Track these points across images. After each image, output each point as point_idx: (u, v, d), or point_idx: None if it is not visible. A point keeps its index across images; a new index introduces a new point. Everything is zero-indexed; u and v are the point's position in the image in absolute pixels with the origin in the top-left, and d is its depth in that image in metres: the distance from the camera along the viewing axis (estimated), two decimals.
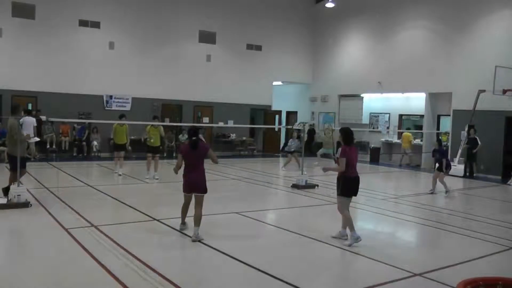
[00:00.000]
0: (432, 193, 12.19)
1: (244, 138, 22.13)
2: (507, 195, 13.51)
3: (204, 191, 6.99)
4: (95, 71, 18.34)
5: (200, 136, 8.14)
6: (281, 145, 25.31)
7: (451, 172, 16.07)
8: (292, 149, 16.38)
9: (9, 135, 8.99)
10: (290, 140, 16.92)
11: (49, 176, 12.72)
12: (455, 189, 14.00)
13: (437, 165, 12.52)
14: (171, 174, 7.80)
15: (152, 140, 12.78)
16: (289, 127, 21.68)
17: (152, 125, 13.06)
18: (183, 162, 7.02)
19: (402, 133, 19.96)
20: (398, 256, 6.56)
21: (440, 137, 15.50)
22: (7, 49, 16.83)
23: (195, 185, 6.95)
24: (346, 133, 7.09)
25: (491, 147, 16.28)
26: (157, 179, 12.58)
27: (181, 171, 7.14)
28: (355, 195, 7.17)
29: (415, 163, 19.41)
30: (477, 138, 16.10)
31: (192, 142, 6.88)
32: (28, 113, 14.68)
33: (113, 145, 14.14)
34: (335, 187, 7.32)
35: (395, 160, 20.50)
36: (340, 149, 7.06)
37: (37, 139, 13.77)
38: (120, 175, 13.27)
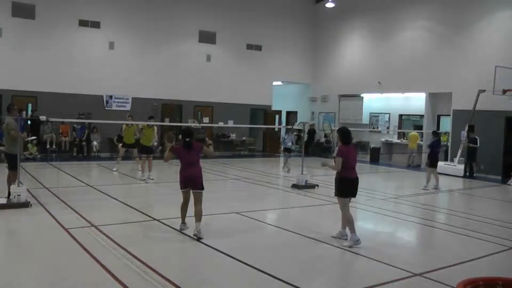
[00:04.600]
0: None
1: (244, 138, 22.12)
2: (507, 195, 13.50)
3: (201, 187, 7.08)
4: (95, 71, 18.33)
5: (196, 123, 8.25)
6: (281, 145, 25.29)
7: (451, 172, 16.17)
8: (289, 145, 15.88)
9: (6, 134, 8.98)
10: (286, 135, 16.44)
11: (49, 176, 12.71)
12: (455, 189, 14.04)
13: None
14: (169, 174, 7.81)
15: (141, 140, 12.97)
16: (289, 127, 21.71)
17: (147, 124, 13.08)
18: (180, 161, 7.15)
19: (404, 133, 19.94)
20: (398, 256, 6.56)
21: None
22: (7, 49, 16.82)
23: (191, 180, 7.04)
24: (343, 133, 7.12)
25: (491, 147, 16.27)
26: (152, 179, 12.53)
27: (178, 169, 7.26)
28: (354, 196, 7.16)
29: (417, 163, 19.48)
30: (477, 138, 16.12)
31: (186, 143, 7.01)
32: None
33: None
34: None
35: (396, 160, 20.48)
36: (337, 148, 7.07)
37: (34, 137, 13.74)
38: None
